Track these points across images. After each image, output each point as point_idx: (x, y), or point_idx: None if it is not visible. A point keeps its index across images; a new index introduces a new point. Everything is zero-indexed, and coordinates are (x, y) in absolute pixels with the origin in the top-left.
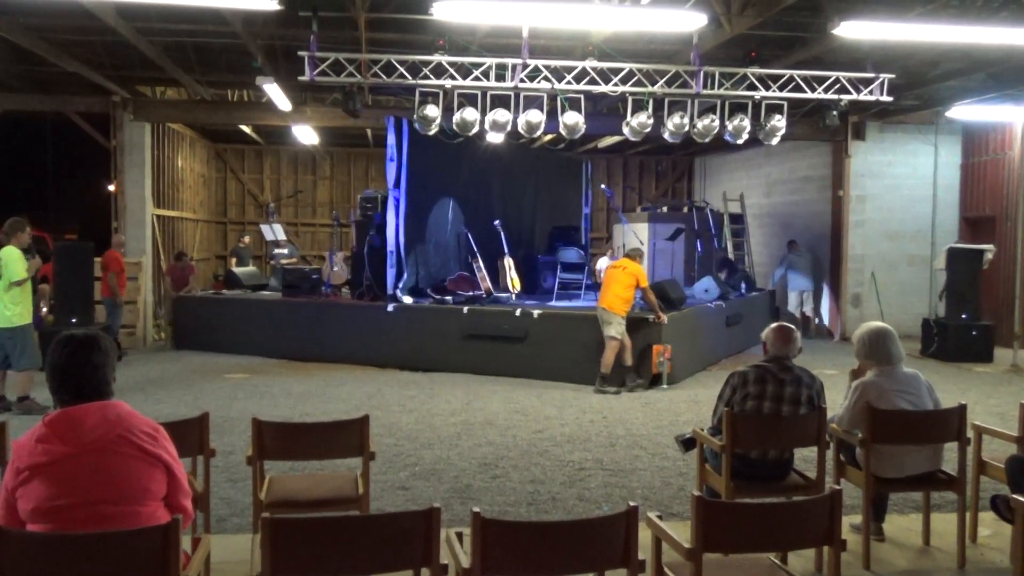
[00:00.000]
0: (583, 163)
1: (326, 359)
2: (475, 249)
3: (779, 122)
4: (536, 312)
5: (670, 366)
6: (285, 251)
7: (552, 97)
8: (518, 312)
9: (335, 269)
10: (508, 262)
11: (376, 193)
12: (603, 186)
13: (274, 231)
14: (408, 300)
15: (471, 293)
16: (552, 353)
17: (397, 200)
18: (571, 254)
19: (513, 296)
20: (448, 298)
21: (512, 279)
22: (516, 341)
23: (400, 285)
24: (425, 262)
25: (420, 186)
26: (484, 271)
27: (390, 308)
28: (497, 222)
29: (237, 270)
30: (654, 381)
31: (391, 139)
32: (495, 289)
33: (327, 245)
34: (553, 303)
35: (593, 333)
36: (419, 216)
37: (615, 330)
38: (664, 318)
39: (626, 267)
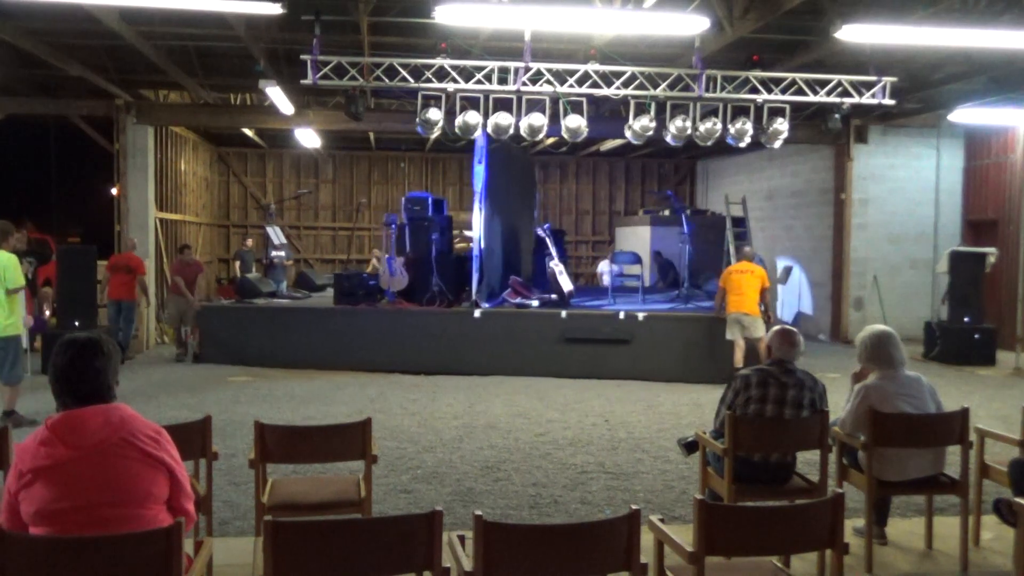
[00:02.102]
0: (534, 165)
1: (400, 370)
2: (552, 251)
3: (781, 125)
4: (641, 315)
5: None
6: (283, 253)
7: (554, 100)
8: (621, 315)
9: (396, 276)
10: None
11: (425, 195)
12: (668, 192)
13: (276, 233)
14: (486, 305)
15: (547, 296)
16: (660, 355)
17: (482, 204)
18: (626, 257)
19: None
20: (532, 302)
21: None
22: (621, 344)
23: (478, 290)
24: (491, 267)
25: (491, 191)
26: (565, 273)
27: (477, 314)
28: (547, 226)
29: (249, 276)
30: None
31: (480, 141)
32: (540, 293)
33: (329, 249)
34: (612, 305)
35: (700, 334)
36: (489, 221)
37: (761, 330)
38: (773, 317)
39: (754, 271)
